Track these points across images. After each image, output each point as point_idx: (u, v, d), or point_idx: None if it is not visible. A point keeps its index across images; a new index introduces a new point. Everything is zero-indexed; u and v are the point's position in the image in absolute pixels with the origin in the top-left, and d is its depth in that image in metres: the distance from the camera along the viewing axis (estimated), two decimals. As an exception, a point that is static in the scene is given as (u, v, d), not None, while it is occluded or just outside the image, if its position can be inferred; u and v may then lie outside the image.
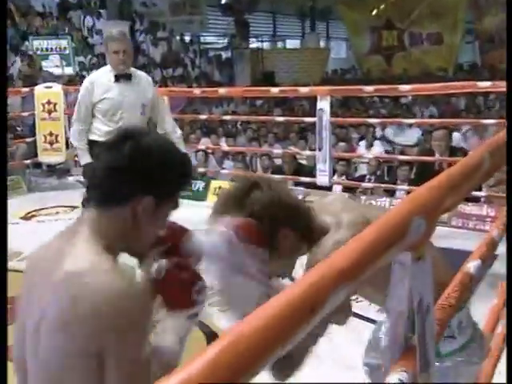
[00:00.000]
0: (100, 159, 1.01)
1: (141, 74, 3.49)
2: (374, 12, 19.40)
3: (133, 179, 0.98)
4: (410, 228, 0.77)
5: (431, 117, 9.65)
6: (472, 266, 1.28)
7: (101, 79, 3.32)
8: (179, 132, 3.49)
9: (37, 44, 10.62)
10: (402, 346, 0.91)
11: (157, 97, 3.46)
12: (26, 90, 5.84)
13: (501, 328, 1.96)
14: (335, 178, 5.30)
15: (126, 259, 1.07)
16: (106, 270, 0.93)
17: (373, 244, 0.66)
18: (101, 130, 3.24)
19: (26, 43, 11.34)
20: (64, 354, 0.88)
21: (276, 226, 1.26)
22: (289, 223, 1.29)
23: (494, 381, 1.83)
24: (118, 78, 3.29)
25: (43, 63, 10.24)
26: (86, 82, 3.40)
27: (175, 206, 1.10)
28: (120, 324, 0.89)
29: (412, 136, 8.54)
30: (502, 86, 4.61)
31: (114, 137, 1.04)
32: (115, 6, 10.65)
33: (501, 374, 1.83)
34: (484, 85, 4.41)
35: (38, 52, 10.38)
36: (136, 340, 0.91)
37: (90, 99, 3.28)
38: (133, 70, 3.43)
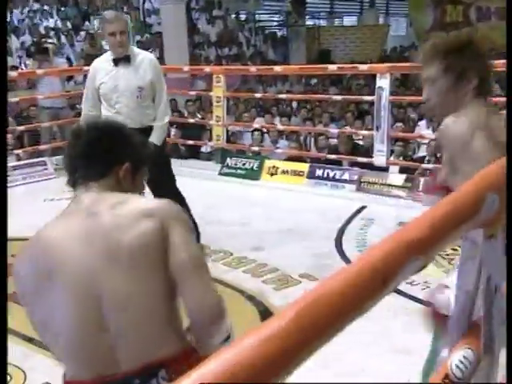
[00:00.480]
0: (74, 146, 1.25)
1: (144, 55, 3.32)
2: (438, -15, 18.58)
3: (108, 152, 1.24)
4: (483, 204, 0.74)
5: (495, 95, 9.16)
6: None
7: (102, 64, 3.28)
8: (165, 121, 3.33)
9: (97, 23, 10.89)
10: (468, 323, 0.88)
11: (159, 79, 3.31)
12: (88, 68, 6.00)
13: None
14: (392, 158, 5.18)
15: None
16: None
17: (446, 218, 0.63)
18: (105, 115, 3.20)
19: (87, 23, 11.65)
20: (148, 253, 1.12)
21: None
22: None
23: None
24: (116, 62, 3.22)
25: (103, 42, 10.51)
26: (90, 67, 3.38)
27: (146, 172, 1.33)
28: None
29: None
30: None
31: (76, 128, 1.31)
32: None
33: None
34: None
35: (99, 31, 10.64)
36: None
37: (93, 84, 3.27)
38: (136, 51, 3.33)
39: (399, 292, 2.71)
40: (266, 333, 0.38)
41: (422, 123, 7.27)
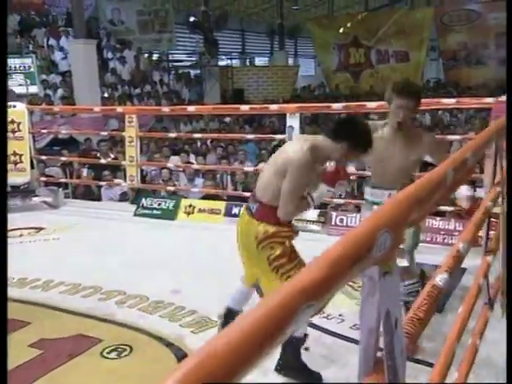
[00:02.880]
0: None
1: None
2: (342, 30, 19.85)
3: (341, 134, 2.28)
4: (376, 242, 0.77)
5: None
6: (439, 278, 1.30)
7: None
8: None
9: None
10: (373, 361, 0.91)
11: None
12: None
13: (470, 339, 2.00)
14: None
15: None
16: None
17: (338, 260, 0.66)
18: None
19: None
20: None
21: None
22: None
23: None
24: None
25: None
26: None
27: (357, 156, 2.35)
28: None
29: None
30: (465, 102, 4.76)
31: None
32: (82, 24, 10.58)
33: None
34: (449, 101, 4.54)
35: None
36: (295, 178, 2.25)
37: None
38: None
39: (314, 326, 2.74)
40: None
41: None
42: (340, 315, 2.95)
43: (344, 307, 2.96)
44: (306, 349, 2.49)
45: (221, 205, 5.24)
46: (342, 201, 5.20)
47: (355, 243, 0.70)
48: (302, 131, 5.38)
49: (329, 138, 2.27)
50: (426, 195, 0.97)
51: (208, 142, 9.50)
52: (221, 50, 19.82)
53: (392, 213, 0.82)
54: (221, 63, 19.78)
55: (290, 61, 23.58)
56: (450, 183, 1.27)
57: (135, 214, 5.51)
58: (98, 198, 6.50)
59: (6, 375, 1.36)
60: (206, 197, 5.75)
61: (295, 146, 2.28)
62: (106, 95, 12.44)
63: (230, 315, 2.61)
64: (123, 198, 6.57)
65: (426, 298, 1.19)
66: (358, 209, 5.23)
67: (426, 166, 4.80)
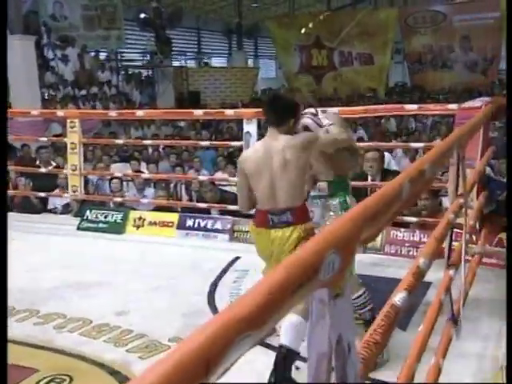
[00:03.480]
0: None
1: None
2: (303, 30, 20.15)
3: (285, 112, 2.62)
4: (323, 264, 0.78)
5: (360, 139, 10.05)
6: (398, 298, 1.33)
7: None
8: None
9: None
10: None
11: None
12: None
13: (432, 359, 2.04)
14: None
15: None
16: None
17: (281, 285, 0.66)
18: None
19: None
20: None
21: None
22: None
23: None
24: None
25: None
26: None
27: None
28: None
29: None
30: (428, 108, 4.90)
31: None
32: (19, 19, 10.33)
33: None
34: (411, 107, 4.67)
35: None
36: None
37: None
38: None
39: (267, 346, 2.74)
40: None
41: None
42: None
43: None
44: (297, 368, 2.43)
45: (173, 217, 5.19)
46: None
47: (299, 266, 0.70)
48: (261, 137, 5.42)
49: (279, 127, 2.59)
50: (379, 211, 0.99)
51: (160, 148, 9.42)
52: (175, 49, 19.75)
53: (340, 232, 0.83)
54: (175, 63, 19.71)
55: (250, 62, 23.77)
56: (406, 196, 1.30)
57: (79, 228, 5.40)
58: (38, 211, 6.32)
59: (5, 375, 1.44)
60: (158, 208, 5.69)
61: (281, 141, 2.58)
62: (46, 97, 12.19)
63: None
64: (66, 210, 6.43)
65: (384, 319, 1.20)
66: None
67: (387, 175, 4.91)
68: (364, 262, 3.80)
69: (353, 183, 5.06)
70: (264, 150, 2.57)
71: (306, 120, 2.69)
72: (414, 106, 4.63)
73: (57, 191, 6.33)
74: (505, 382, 1.85)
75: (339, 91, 19.59)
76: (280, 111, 2.60)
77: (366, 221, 0.91)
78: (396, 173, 5.34)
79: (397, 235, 4.36)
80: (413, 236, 4.34)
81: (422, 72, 20.29)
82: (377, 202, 1.02)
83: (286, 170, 2.52)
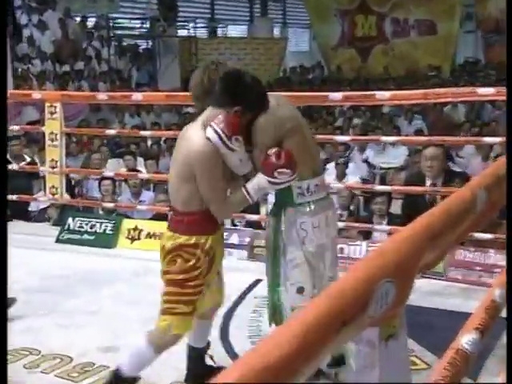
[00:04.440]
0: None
1: None
2: (346, -10, 20.14)
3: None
4: (373, 296, 0.77)
5: (418, 132, 10.01)
6: (467, 340, 1.31)
7: None
8: None
9: None
10: None
11: None
12: None
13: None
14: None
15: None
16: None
17: (319, 323, 0.65)
18: None
19: None
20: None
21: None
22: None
23: None
24: None
25: None
26: None
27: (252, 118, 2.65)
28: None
29: (396, 156, 8.81)
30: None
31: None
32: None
33: None
34: (486, 91, 4.62)
35: None
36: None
37: None
38: None
39: None
40: None
41: (331, 166, 7.67)
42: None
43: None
44: (211, 357, 3.10)
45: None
46: (341, 224, 5.23)
47: (344, 298, 0.70)
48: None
49: (218, 107, 2.61)
50: (445, 228, 0.98)
51: (162, 141, 9.48)
52: (181, 15, 19.89)
53: (396, 255, 0.81)
54: (181, 33, 19.84)
55: (276, 31, 23.78)
56: (481, 208, 1.28)
57: (58, 240, 5.46)
58: (7, 218, 6.41)
59: (5, 375, 1.64)
60: (158, 217, 5.73)
61: (192, 132, 2.63)
62: (20, 73, 12.34)
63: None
64: (42, 217, 6.51)
65: (448, 368, 1.18)
66: (364, 234, 5.27)
67: (451, 178, 4.88)
68: (421, 290, 3.78)
69: (407, 188, 5.11)
70: (185, 132, 2.76)
71: (211, 133, 2.56)
72: (490, 90, 4.57)
73: (39, 194, 6.40)
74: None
75: (391, 69, 19.48)
76: (232, 91, 2.63)
77: (429, 241, 0.90)
78: (463, 175, 5.32)
79: (465, 256, 4.32)
80: (486, 257, 4.30)
81: (500, 45, 20.04)
82: (442, 216, 1.01)
83: (172, 166, 2.77)
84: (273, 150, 2.59)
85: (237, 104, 2.57)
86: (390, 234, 4.96)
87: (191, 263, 2.71)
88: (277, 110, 2.69)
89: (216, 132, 2.53)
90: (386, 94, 4.53)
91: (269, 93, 2.83)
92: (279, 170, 2.57)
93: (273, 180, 2.60)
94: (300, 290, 2.74)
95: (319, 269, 2.78)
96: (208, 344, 3.11)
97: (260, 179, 2.63)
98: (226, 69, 2.76)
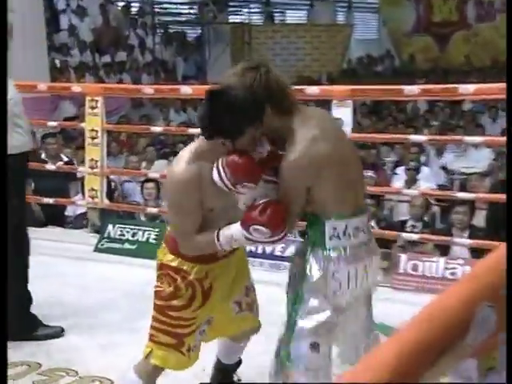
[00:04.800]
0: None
1: None
2: (420, -29, 19.93)
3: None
4: (472, 322, 0.75)
5: (505, 132, 9.78)
6: None
7: None
8: None
9: None
10: None
11: None
12: None
13: None
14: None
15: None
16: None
17: (409, 354, 0.64)
18: None
19: None
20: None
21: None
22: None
23: None
24: None
25: None
26: None
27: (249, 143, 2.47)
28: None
29: (479, 160, 8.64)
30: None
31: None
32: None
33: None
34: None
35: None
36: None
37: None
38: None
39: None
40: None
41: (401, 170, 7.58)
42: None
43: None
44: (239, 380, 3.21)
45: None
46: (414, 236, 5.16)
47: (439, 324, 0.68)
48: (358, 126, 5.29)
49: (207, 139, 2.50)
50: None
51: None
52: (234, -1, 20.01)
53: (498, 274, 0.79)
54: (233, 19, 19.96)
55: (340, 17, 23.70)
56: None
57: (97, 249, 5.54)
58: (41, 223, 6.55)
59: (5, 375, 1.82)
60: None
61: (176, 159, 2.61)
62: (57, 65, 12.58)
63: None
64: (79, 223, 6.61)
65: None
66: (441, 249, 5.19)
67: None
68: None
69: (493, 196, 5.00)
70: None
71: (216, 176, 2.43)
72: None
73: (77, 197, 6.49)
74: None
75: (473, 59, 19.16)
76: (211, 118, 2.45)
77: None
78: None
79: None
80: None
81: None
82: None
83: None
84: (260, 201, 2.44)
85: (225, 135, 2.40)
86: (474, 250, 4.87)
87: (171, 289, 2.69)
88: (312, 145, 2.42)
89: (220, 177, 2.43)
90: (471, 87, 4.43)
91: (307, 108, 2.73)
92: (255, 227, 2.41)
93: (246, 235, 2.45)
94: (315, 347, 2.56)
95: (344, 330, 2.65)
96: (238, 363, 3.19)
97: (237, 230, 2.49)
98: (216, 87, 2.58)
